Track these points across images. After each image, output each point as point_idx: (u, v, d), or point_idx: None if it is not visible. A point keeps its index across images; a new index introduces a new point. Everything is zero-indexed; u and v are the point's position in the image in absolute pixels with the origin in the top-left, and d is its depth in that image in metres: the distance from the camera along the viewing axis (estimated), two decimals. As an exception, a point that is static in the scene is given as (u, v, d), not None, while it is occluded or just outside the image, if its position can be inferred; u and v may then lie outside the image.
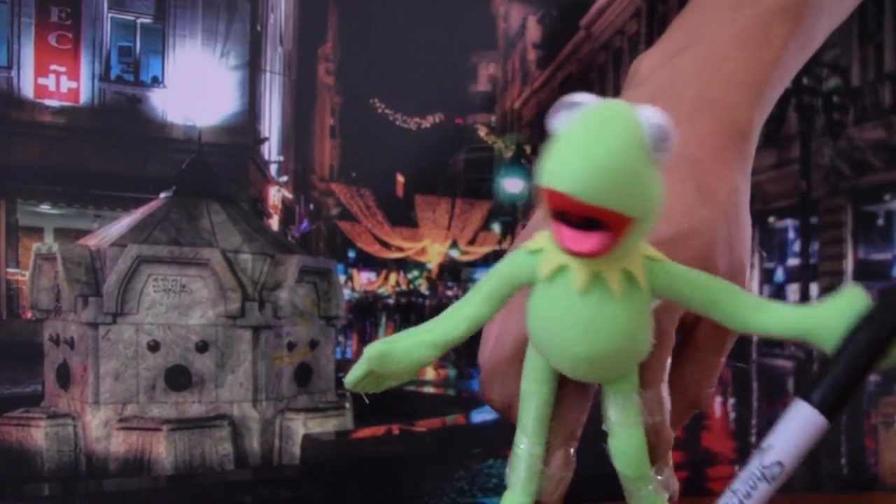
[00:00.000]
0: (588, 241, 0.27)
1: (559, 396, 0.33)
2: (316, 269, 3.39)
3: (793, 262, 7.56)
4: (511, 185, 10.69)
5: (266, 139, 7.02)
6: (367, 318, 9.31)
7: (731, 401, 4.98)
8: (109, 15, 5.81)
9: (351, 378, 0.33)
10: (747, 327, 0.30)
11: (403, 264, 11.10)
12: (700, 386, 0.36)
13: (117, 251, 2.99)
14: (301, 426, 3.09)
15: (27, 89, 5.49)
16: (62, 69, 5.60)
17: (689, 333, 0.35)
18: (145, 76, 6.03)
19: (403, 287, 11.13)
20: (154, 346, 2.95)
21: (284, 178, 7.86)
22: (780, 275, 7.85)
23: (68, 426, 2.92)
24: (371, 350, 0.32)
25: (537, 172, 0.27)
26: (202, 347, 3.00)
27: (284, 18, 7.80)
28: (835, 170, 6.44)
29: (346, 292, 5.45)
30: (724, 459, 3.84)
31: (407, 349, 0.32)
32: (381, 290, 11.13)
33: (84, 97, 5.65)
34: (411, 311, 9.78)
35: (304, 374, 3.26)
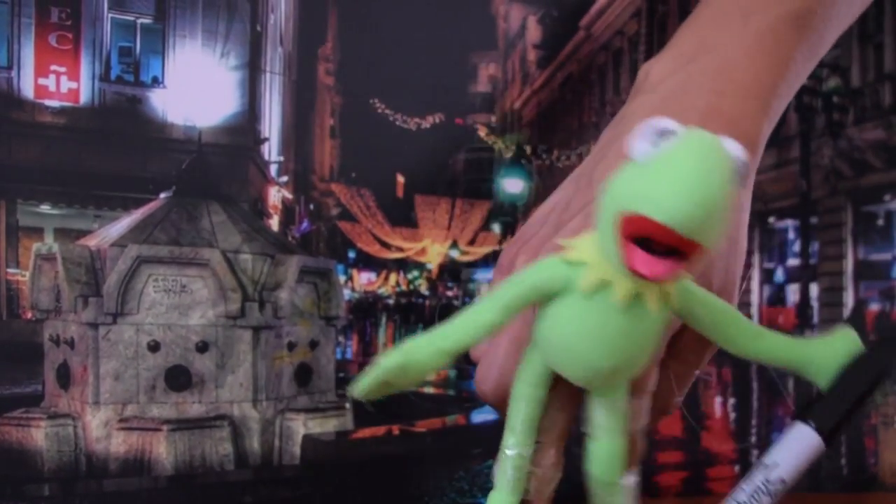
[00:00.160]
0: (662, 266, 0.27)
1: (549, 397, 0.33)
2: (316, 270, 3.39)
3: (793, 262, 7.56)
4: (511, 185, 10.69)
5: (266, 139, 7.02)
6: (367, 318, 9.30)
7: (731, 401, 4.98)
8: (109, 15, 5.81)
9: (361, 388, 0.33)
10: (745, 352, 0.31)
11: (403, 264, 11.10)
12: (672, 394, 0.36)
13: (117, 251, 2.99)
14: (301, 426, 3.09)
15: (27, 89, 5.49)
16: (62, 69, 5.60)
17: (670, 342, 0.35)
18: (145, 76, 6.03)
19: (403, 287, 11.13)
20: (154, 347, 2.95)
21: (284, 179, 7.86)
22: (780, 275, 7.85)
23: (68, 426, 2.91)
24: (388, 361, 0.32)
25: (615, 195, 0.27)
26: (202, 348, 3.00)
27: (284, 19, 7.80)
28: (835, 170, 6.44)
29: (347, 292, 5.45)
30: (724, 459, 3.84)
31: (423, 359, 0.32)
32: (381, 291, 11.13)
33: (84, 97, 5.65)
34: (411, 312, 9.78)
35: (304, 375, 3.26)
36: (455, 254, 10.44)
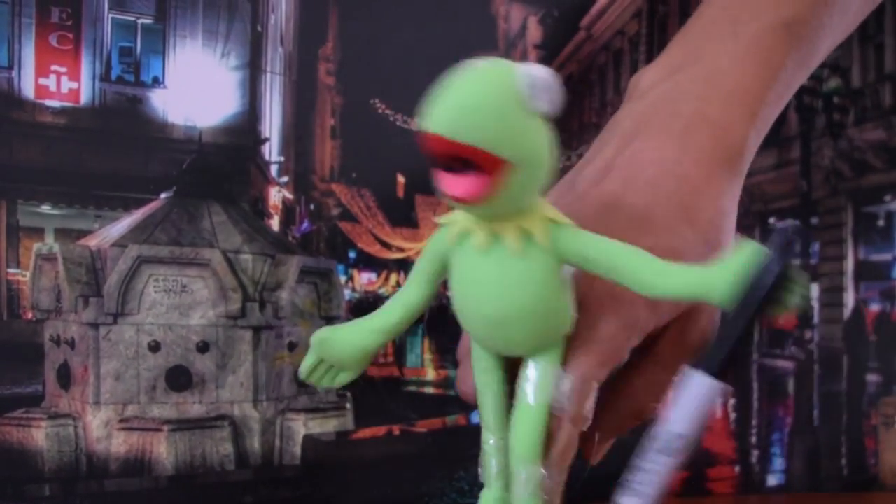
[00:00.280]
0: (464, 184, 0.27)
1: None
2: (317, 270, 3.40)
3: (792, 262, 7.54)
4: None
5: (267, 139, 7.01)
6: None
7: (731, 401, 4.99)
8: (110, 15, 5.81)
9: (303, 367, 0.34)
10: (652, 290, 0.30)
11: (404, 265, 11.09)
12: (647, 398, 0.35)
13: (118, 251, 2.99)
14: (302, 426, 3.09)
15: (28, 90, 5.49)
16: (63, 70, 5.60)
17: (649, 344, 0.35)
18: (146, 77, 6.02)
19: (404, 287, 11.09)
20: (155, 347, 2.95)
21: (285, 179, 7.85)
22: (780, 275, 7.83)
23: (69, 426, 2.92)
24: (315, 336, 0.33)
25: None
26: (203, 348, 3.00)
27: (285, 19, 7.79)
28: (835, 170, 6.44)
29: (347, 293, 5.45)
30: (724, 459, 3.84)
31: (347, 334, 0.33)
32: (382, 291, 11.11)
33: (85, 97, 5.64)
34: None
35: (304, 375, 3.25)
36: (455, 254, 10.42)
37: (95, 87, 5.70)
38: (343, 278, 6.48)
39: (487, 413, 0.34)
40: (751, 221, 5.70)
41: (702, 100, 0.38)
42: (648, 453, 0.28)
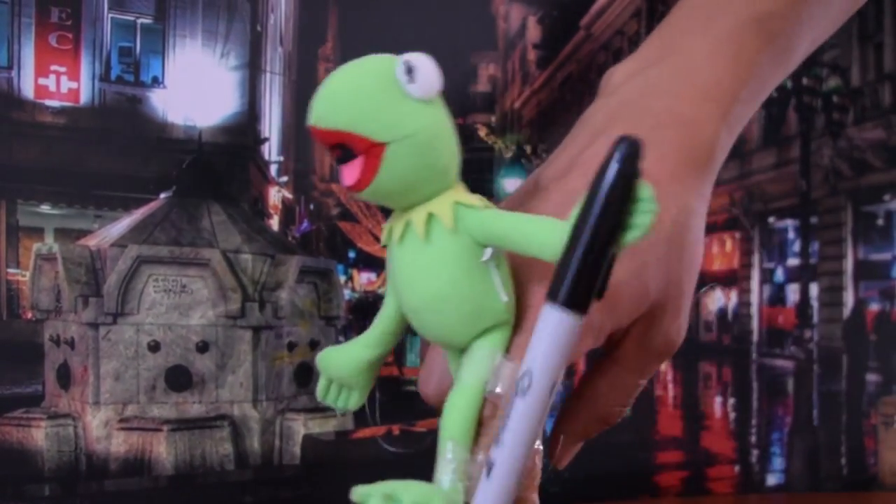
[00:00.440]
0: (352, 172, 0.28)
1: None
2: (316, 270, 3.39)
3: (792, 262, 7.55)
4: (511, 185, 10.69)
5: (266, 139, 7.01)
6: (367, 318, 9.30)
7: (731, 401, 4.99)
8: (110, 15, 5.81)
9: (318, 390, 0.35)
10: (550, 252, 0.28)
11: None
12: (611, 402, 0.35)
13: (118, 251, 2.99)
14: (301, 426, 3.09)
15: (27, 90, 5.49)
16: (62, 69, 5.60)
17: (611, 348, 0.34)
18: (145, 76, 6.03)
19: (403, 287, 11.10)
20: (154, 347, 2.95)
21: (285, 179, 7.85)
22: (779, 275, 7.85)
23: (69, 426, 2.92)
24: (318, 356, 0.34)
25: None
26: (202, 348, 3.00)
27: (284, 19, 7.79)
28: (834, 170, 6.44)
29: (347, 292, 5.45)
30: (724, 459, 3.85)
31: (343, 351, 0.34)
32: (382, 291, 11.13)
33: (84, 97, 5.65)
34: (411, 312, 9.77)
35: (304, 375, 3.26)
36: (455, 254, 10.42)
37: (95, 87, 5.70)
38: (343, 278, 6.48)
39: None
40: (751, 221, 5.70)
41: (672, 96, 0.37)
42: (509, 400, 0.27)
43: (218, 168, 4.56)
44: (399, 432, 3.24)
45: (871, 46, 6.40)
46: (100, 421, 2.90)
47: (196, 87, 5.96)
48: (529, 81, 11.53)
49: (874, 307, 6.28)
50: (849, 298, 6.33)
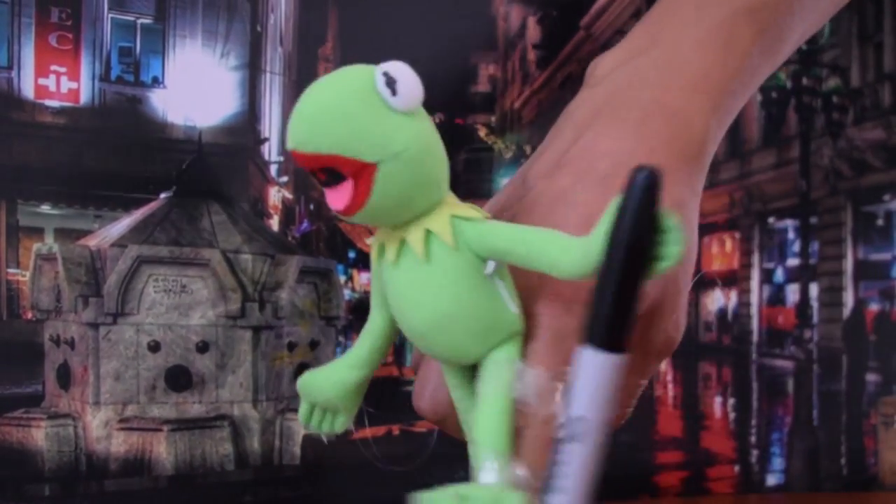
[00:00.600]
0: (340, 196, 0.27)
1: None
2: (316, 270, 3.39)
3: (792, 262, 7.54)
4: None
5: (266, 139, 7.00)
6: (367, 318, 9.31)
7: (731, 401, 4.98)
8: (110, 15, 5.80)
9: (300, 415, 0.34)
10: (564, 272, 0.28)
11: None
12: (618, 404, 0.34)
13: (118, 251, 2.99)
14: (301, 427, 3.09)
15: (27, 90, 5.49)
16: (62, 70, 5.59)
17: None
18: (145, 77, 6.02)
19: (403, 287, 11.10)
20: (154, 347, 2.95)
21: (285, 179, 7.85)
22: (779, 275, 7.84)
23: (69, 426, 2.92)
24: (299, 381, 0.33)
25: None
26: (202, 348, 3.00)
27: (284, 19, 7.79)
28: (834, 170, 6.44)
29: (347, 293, 5.44)
30: (723, 459, 3.85)
31: (325, 374, 0.33)
32: (381, 291, 11.11)
33: (84, 98, 5.64)
34: (411, 312, 9.77)
35: (304, 375, 3.25)
36: (455, 254, 10.40)
37: (95, 87, 5.69)
38: (343, 278, 6.47)
39: (468, 428, 0.33)
40: (751, 221, 5.70)
41: (660, 87, 0.36)
42: (558, 444, 0.27)
43: (218, 168, 4.56)
44: (399, 432, 3.24)
45: (871, 46, 6.40)
46: (100, 421, 2.90)
47: (196, 88, 5.96)
48: (529, 81, 11.55)
49: (874, 307, 6.28)
50: (849, 299, 6.33)
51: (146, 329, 3.00)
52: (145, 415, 2.96)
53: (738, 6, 0.37)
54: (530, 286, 0.31)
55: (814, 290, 6.62)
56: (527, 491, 0.29)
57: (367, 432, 3.40)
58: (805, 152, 6.36)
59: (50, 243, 3.82)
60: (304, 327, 3.36)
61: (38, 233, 5.87)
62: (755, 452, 4.04)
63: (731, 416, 4.81)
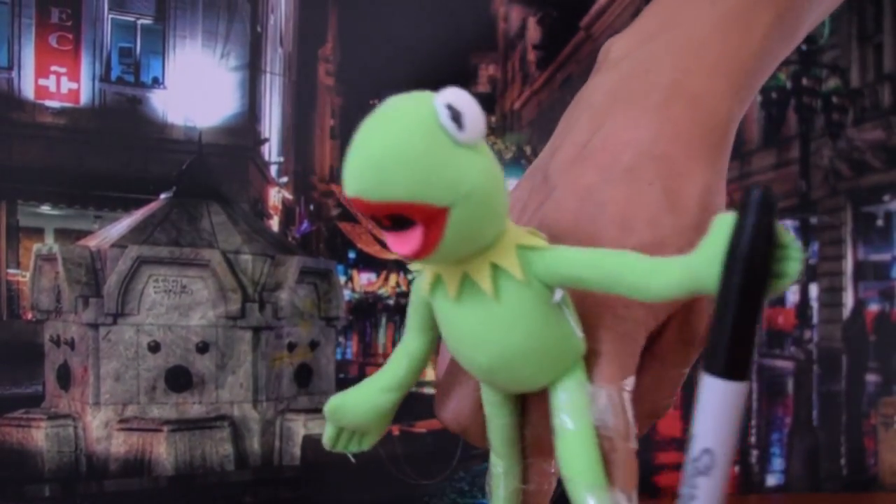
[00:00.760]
0: (408, 241, 0.25)
1: (527, 414, 0.32)
2: (316, 270, 3.39)
3: (792, 262, 7.53)
4: (511, 185, 10.65)
5: (266, 140, 7.01)
6: (367, 318, 9.28)
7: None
8: (110, 16, 5.81)
9: (325, 439, 0.33)
10: (649, 295, 0.26)
11: (403, 265, 11.05)
12: (658, 397, 0.33)
13: (118, 252, 2.99)
14: (301, 427, 3.09)
15: (27, 90, 5.49)
16: (63, 70, 5.60)
17: (651, 343, 0.33)
18: (146, 77, 6.02)
19: (403, 288, 11.11)
20: (154, 347, 2.95)
21: (285, 179, 7.85)
22: (779, 275, 7.82)
23: (69, 427, 2.92)
24: (327, 406, 0.32)
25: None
26: (203, 348, 3.00)
27: (284, 19, 7.79)
28: (834, 170, 6.44)
29: (347, 293, 5.44)
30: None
31: (358, 398, 0.31)
32: (382, 291, 11.11)
33: (84, 98, 5.64)
34: (411, 312, 9.73)
35: (304, 375, 3.26)
36: (455, 254, 10.37)
37: (95, 88, 5.70)
38: (343, 279, 6.46)
39: (497, 440, 0.32)
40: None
41: (680, 70, 0.35)
42: (687, 478, 0.26)
43: (218, 169, 4.56)
44: (399, 433, 3.24)
45: (871, 47, 6.40)
46: (100, 421, 2.90)
47: (196, 88, 5.96)
48: (529, 82, 11.53)
49: (874, 308, 6.28)
50: (848, 299, 6.33)
51: (146, 329, 3.00)
52: (145, 415, 2.96)
53: None
54: (584, 305, 0.30)
55: (814, 290, 6.63)
56: None
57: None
58: (805, 153, 6.36)
59: (50, 244, 3.82)
60: (304, 328, 3.36)
61: (38, 233, 5.88)
62: (755, 453, 4.03)
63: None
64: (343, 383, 3.98)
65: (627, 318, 0.31)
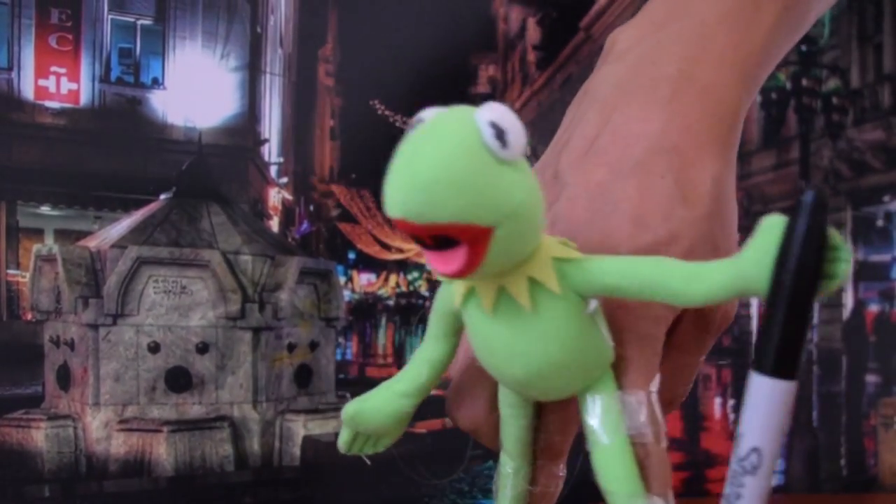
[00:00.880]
0: (451, 260, 0.25)
1: (542, 418, 0.32)
2: (316, 271, 3.39)
3: (792, 263, 7.52)
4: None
5: (266, 141, 7.02)
6: (367, 319, 9.30)
7: (731, 402, 4.98)
8: (110, 16, 5.81)
9: (340, 443, 0.32)
10: (692, 300, 0.27)
11: (403, 266, 11.10)
12: (677, 385, 0.34)
13: (117, 252, 2.99)
14: (301, 427, 3.09)
15: (28, 91, 5.50)
16: (62, 71, 5.60)
17: (668, 332, 0.33)
18: (145, 78, 6.03)
19: (403, 288, 11.11)
20: (154, 348, 2.95)
21: (284, 180, 7.86)
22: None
23: (69, 427, 2.92)
24: (345, 411, 0.31)
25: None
26: (202, 349, 3.00)
27: (284, 20, 7.79)
28: (834, 171, 6.45)
29: (346, 294, 5.44)
30: (723, 460, 3.84)
31: (377, 404, 0.31)
32: (381, 292, 11.13)
33: (84, 99, 5.65)
34: (411, 313, 9.77)
35: (304, 376, 3.26)
36: (455, 255, 10.37)
37: (95, 89, 5.70)
38: (342, 279, 6.45)
39: (509, 442, 0.32)
40: (751, 223, 5.70)
41: (688, 60, 0.35)
42: (733, 477, 0.27)
43: (218, 169, 4.56)
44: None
45: (871, 48, 6.40)
46: (100, 422, 2.90)
47: (196, 89, 5.96)
48: (529, 82, 11.52)
49: (874, 308, 6.28)
50: (848, 299, 6.33)
51: (146, 330, 3.00)
52: (145, 416, 2.96)
53: None
54: (603, 307, 0.30)
55: (814, 291, 6.60)
56: None
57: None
58: (805, 153, 6.37)
59: (50, 244, 3.81)
60: (304, 328, 3.36)
61: (38, 234, 5.88)
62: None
63: (731, 416, 4.81)
64: (343, 384, 3.98)
65: (647, 316, 0.31)
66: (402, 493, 2.95)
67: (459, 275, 0.25)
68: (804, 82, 5.61)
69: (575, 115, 0.36)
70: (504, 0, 10.66)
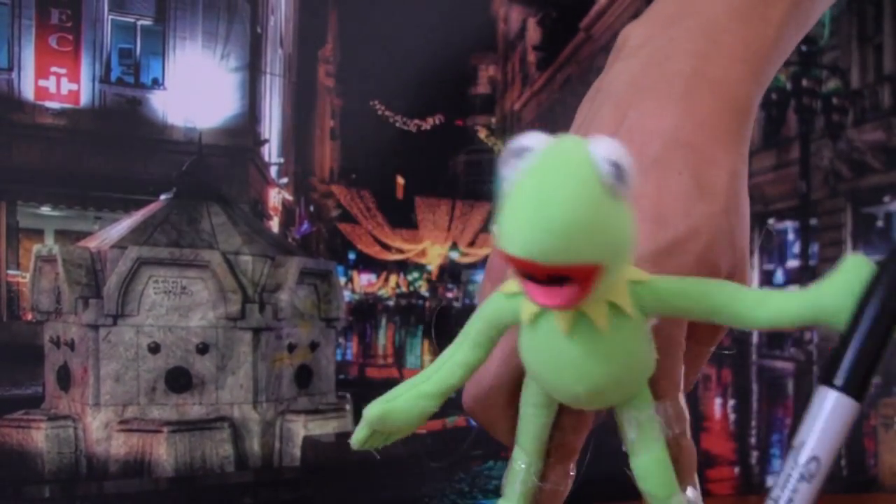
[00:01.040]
0: (556, 295, 0.25)
1: (558, 418, 0.32)
2: (316, 271, 3.40)
3: (792, 263, 7.55)
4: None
5: (266, 141, 7.02)
6: (367, 319, 9.29)
7: (731, 402, 4.99)
8: (110, 17, 5.81)
9: (356, 440, 0.33)
10: (755, 324, 0.28)
11: (404, 266, 11.09)
12: (690, 373, 0.34)
13: (118, 253, 2.99)
14: (301, 428, 3.09)
15: (27, 91, 5.50)
16: (62, 71, 5.60)
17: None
18: (146, 78, 6.03)
19: (403, 289, 11.11)
20: (154, 348, 2.96)
21: (285, 180, 7.86)
22: (779, 276, 7.85)
23: (69, 428, 2.92)
24: (371, 411, 0.32)
25: (497, 231, 0.25)
26: (203, 349, 3.00)
27: (285, 20, 7.79)
28: (834, 171, 6.45)
29: (347, 294, 5.44)
30: (723, 461, 3.85)
31: (406, 405, 0.32)
32: (382, 292, 11.12)
33: (84, 99, 5.65)
34: (411, 313, 9.76)
35: (304, 376, 3.26)
36: (455, 255, 10.42)
37: (95, 89, 5.70)
38: (343, 279, 6.45)
39: (526, 439, 0.33)
40: (751, 223, 5.70)
41: (700, 57, 0.35)
42: (787, 482, 0.28)
43: (218, 170, 4.56)
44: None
45: (871, 48, 6.40)
46: (100, 422, 2.90)
47: (196, 89, 5.96)
48: (529, 83, 11.52)
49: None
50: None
51: (146, 330, 3.00)
52: (145, 416, 2.96)
53: None
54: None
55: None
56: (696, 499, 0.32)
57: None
58: (805, 154, 6.37)
59: (50, 245, 3.81)
60: (304, 329, 3.36)
61: (38, 234, 5.88)
62: (755, 454, 4.04)
63: (731, 417, 4.82)
64: (343, 384, 3.98)
65: (680, 324, 0.32)
66: (403, 494, 2.95)
67: (564, 308, 0.26)
68: (804, 83, 5.62)
69: (589, 112, 0.36)
70: (504, 0, 10.66)
